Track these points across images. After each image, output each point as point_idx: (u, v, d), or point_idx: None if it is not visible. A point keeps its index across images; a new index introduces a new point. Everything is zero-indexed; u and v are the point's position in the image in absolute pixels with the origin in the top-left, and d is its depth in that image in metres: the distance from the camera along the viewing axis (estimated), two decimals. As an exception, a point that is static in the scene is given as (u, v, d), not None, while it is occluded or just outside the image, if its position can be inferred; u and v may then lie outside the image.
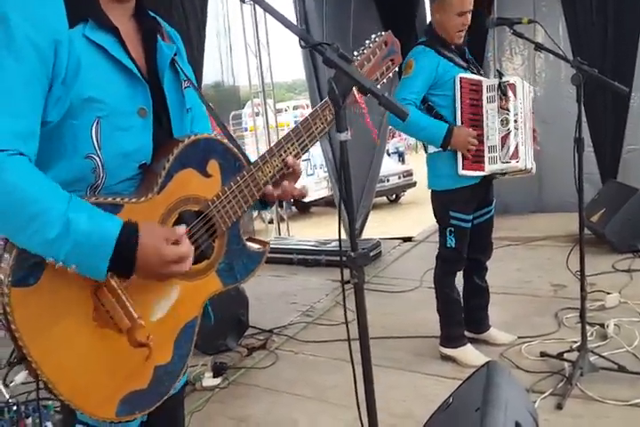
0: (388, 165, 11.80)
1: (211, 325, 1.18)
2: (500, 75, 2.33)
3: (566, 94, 4.39)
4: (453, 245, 2.41)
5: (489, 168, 2.30)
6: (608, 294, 2.99)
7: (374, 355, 2.62)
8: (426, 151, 2.47)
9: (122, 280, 0.94)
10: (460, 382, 1.68)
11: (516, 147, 2.25)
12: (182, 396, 1.27)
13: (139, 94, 1.01)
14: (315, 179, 10.40)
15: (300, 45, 1.07)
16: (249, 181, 1.09)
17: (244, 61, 6.38)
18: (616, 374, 2.19)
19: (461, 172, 2.30)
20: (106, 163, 0.98)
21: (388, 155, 15.10)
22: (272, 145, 1.13)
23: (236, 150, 1.11)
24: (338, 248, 1.11)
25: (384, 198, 11.90)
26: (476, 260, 2.55)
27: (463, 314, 2.54)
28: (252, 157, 1.15)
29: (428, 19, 4.90)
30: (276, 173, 1.11)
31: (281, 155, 1.11)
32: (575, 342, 2.42)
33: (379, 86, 1.24)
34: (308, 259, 4.28)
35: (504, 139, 2.27)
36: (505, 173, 2.36)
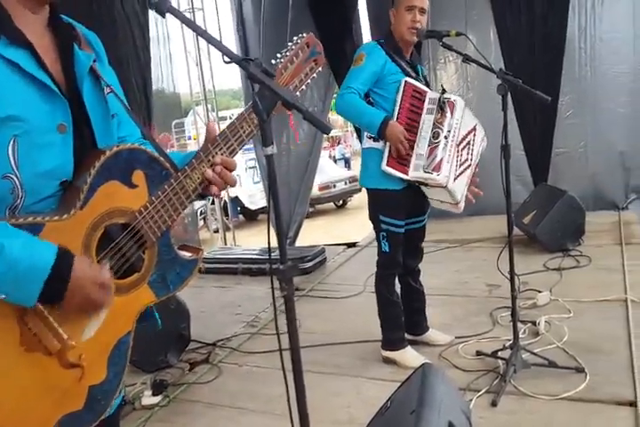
0: (335, 172, 11.97)
1: (159, 329, 1.16)
2: (443, 90, 2.40)
3: (498, 100, 4.55)
4: (388, 250, 2.47)
5: (412, 174, 2.35)
6: (540, 292, 3.13)
7: (319, 362, 2.63)
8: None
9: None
10: (400, 383, 1.72)
11: (441, 160, 2.32)
12: (118, 417, 1.24)
13: (58, 110, 0.98)
14: (261, 187, 10.38)
15: (224, 61, 1.08)
16: (177, 189, 1.08)
17: (185, 69, 6.32)
18: (547, 370, 2.29)
19: (384, 167, 2.35)
20: (25, 182, 0.94)
21: (335, 161, 15.29)
22: (199, 150, 1.12)
23: (162, 159, 1.10)
24: (285, 241, 1.12)
25: (331, 204, 12.02)
26: (407, 265, 2.62)
27: (403, 317, 2.60)
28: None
29: (364, 27, 5.07)
30: (205, 179, 1.11)
31: (209, 160, 1.11)
32: (509, 340, 2.52)
33: (304, 87, 1.28)
34: (253, 268, 4.26)
35: (432, 150, 2.34)
36: (427, 185, 2.40)
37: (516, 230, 3.89)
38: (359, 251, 4.62)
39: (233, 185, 1.15)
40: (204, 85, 6.19)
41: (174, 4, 1.21)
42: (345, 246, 4.88)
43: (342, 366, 2.60)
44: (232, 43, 5.25)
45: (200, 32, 1.10)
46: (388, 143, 2.35)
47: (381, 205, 2.45)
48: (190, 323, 2.88)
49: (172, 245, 1.13)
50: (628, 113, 4.35)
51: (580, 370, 2.28)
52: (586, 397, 2.12)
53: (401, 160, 2.35)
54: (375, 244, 2.57)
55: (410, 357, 2.50)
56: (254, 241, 7.18)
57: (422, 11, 2.39)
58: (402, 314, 2.57)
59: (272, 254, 1.11)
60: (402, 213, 2.47)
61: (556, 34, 4.22)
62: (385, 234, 2.45)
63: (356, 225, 7.48)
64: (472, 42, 2.52)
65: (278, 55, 1.22)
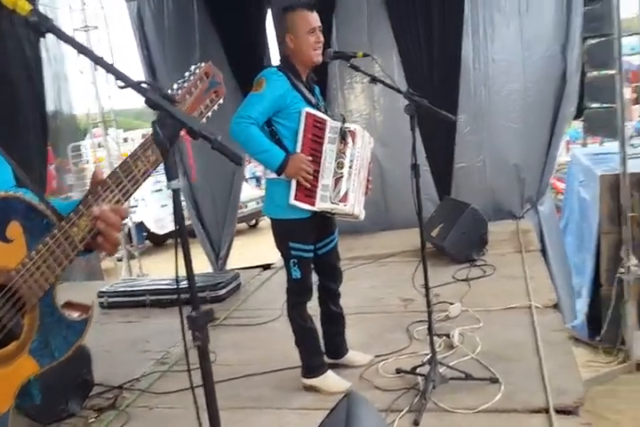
0: (246, 191, 11.82)
1: (37, 405, 1.02)
2: (344, 120, 2.40)
3: (403, 118, 4.71)
4: (299, 276, 2.41)
5: (319, 205, 2.33)
6: (451, 304, 3.21)
7: (238, 396, 2.50)
8: None
9: None
10: (324, 411, 1.66)
11: (347, 191, 2.33)
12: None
13: None
14: (169, 210, 10.01)
15: (118, 85, 0.98)
16: (61, 240, 0.95)
17: (82, 89, 6.01)
18: (465, 383, 2.32)
19: (292, 202, 2.32)
20: None
21: (246, 180, 15.13)
22: (85, 194, 1.00)
23: (42, 206, 0.97)
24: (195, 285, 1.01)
25: (244, 224, 11.84)
26: (327, 288, 2.59)
27: (322, 341, 2.55)
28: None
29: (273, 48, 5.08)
30: (94, 226, 0.99)
31: (98, 205, 0.98)
32: (426, 354, 2.54)
33: (204, 120, 1.18)
34: (163, 299, 3.99)
35: (337, 181, 2.34)
36: (334, 214, 2.41)
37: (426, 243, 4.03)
38: (275, 273, 4.52)
39: (117, 244, 1.03)
40: (100, 106, 5.89)
41: (67, 22, 1.09)
42: (260, 269, 4.78)
43: (263, 399, 2.49)
44: (137, 63, 5.04)
45: (85, 52, 0.99)
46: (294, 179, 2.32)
47: (290, 233, 2.40)
48: (93, 365, 2.64)
49: (55, 304, 1.00)
50: (519, 128, 4.65)
51: (494, 380, 2.33)
52: (502, 407, 2.17)
53: (308, 192, 2.32)
54: (290, 265, 2.50)
55: (331, 382, 2.45)
56: (163, 268, 6.87)
57: (320, 29, 2.37)
58: (319, 339, 2.52)
59: (182, 284, 1.00)
60: (311, 237, 2.44)
61: (453, 56, 4.46)
62: (295, 260, 2.40)
63: (270, 245, 7.39)
64: (378, 63, 2.56)
65: (175, 86, 1.11)
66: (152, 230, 10.39)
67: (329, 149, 2.33)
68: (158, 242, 10.77)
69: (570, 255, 5.62)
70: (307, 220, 2.37)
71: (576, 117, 5.25)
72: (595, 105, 5.12)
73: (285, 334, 2.67)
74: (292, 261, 2.40)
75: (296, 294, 2.46)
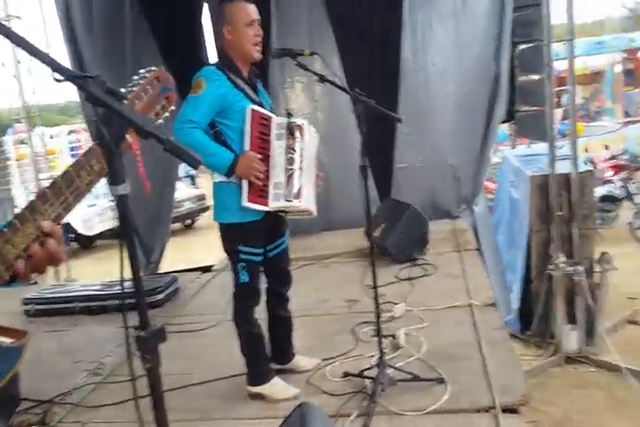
0: (181, 190, 11.50)
1: None
2: (289, 114, 2.33)
3: (345, 118, 4.73)
4: (247, 280, 2.32)
5: (272, 204, 2.27)
6: (396, 304, 3.23)
7: (178, 408, 2.37)
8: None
9: None
10: (271, 420, 1.60)
11: (300, 187, 2.27)
12: None
13: None
14: (97, 210, 9.56)
15: (54, 79, 0.87)
16: None
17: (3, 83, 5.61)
18: (412, 384, 2.32)
19: (245, 204, 2.23)
20: None
21: (180, 179, 14.72)
22: (23, 208, 0.88)
23: None
24: (127, 289, 0.91)
25: (179, 224, 11.52)
26: (277, 292, 2.52)
27: (268, 346, 2.48)
28: (16, 192, 0.88)
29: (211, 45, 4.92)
30: (31, 243, 0.87)
31: (35, 219, 0.87)
32: (373, 356, 2.53)
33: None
34: (92, 306, 3.76)
35: (289, 177, 2.27)
36: (288, 212, 2.35)
37: (367, 244, 4.03)
38: (215, 276, 4.39)
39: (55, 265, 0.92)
40: (24, 100, 5.51)
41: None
42: (200, 271, 4.62)
43: (206, 410, 2.38)
44: (64, 56, 4.70)
45: (18, 41, 0.88)
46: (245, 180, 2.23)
47: (240, 236, 2.30)
48: (19, 379, 2.43)
49: None
50: (455, 129, 4.76)
51: (441, 381, 2.34)
52: (449, 408, 2.17)
53: (260, 193, 2.24)
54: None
55: (279, 389, 2.38)
56: (91, 272, 6.53)
57: (259, 23, 2.29)
58: (265, 345, 2.44)
59: (115, 290, 0.90)
60: (262, 240, 2.36)
61: (393, 57, 4.49)
62: (244, 264, 2.31)
63: (207, 246, 7.22)
64: (325, 61, 2.52)
65: (123, 90, 1.02)
66: (79, 231, 9.86)
67: (278, 146, 2.26)
68: (86, 244, 10.25)
69: (502, 253, 5.84)
70: (259, 222, 2.29)
71: (507, 120, 5.44)
72: (525, 108, 5.32)
73: (226, 340, 2.58)
74: (240, 265, 2.31)
75: (244, 299, 2.37)
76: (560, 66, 8.74)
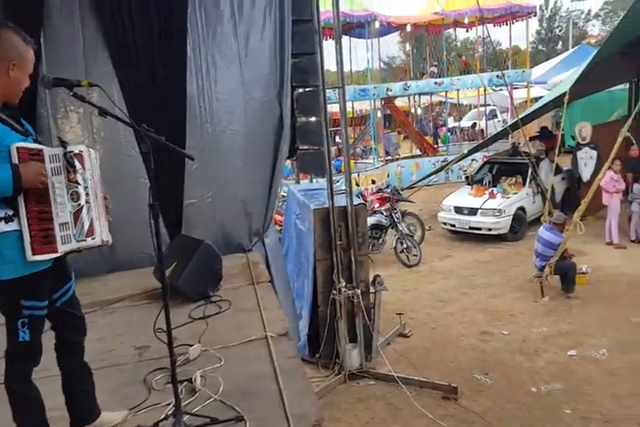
0: None
1: None
2: (63, 143, 2.11)
3: (127, 153, 4.49)
4: (28, 339, 2.02)
5: (62, 248, 2.03)
6: (190, 346, 3.11)
7: None
8: None
9: None
10: None
11: (91, 223, 2.09)
12: None
13: None
14: None
15: None
16: None
17: None
18: (214, 427, 2.26)
19: (32, 258, 1.95)
20: None
21: None
22: None
23: None
24: None
25: None
26: (70, 343, 2.26)
27: (68, 406, 2.24)
28: None
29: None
30: None
31: None
32: (169, 403, 2.39)
33: None
34: None
35: (76, 215, 2.06)
36: (80, 251, 2.13)
37: (157, 284, 3.83)
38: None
39: None
40: None
41: None
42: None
43: None
44: None
45: None
46: (25, 227, 1.94)
47: (23, 290, 2.00)
48: None
49: None
50: (244, 165, 4.88)
51: (240, 419, 2.33)
52: (250, 445, 2.17)
53: (45, 240, 1.98)
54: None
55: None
56: None
57: None
58: (44, 410, 2.13)
59: None
60: (47, 291, 2.09)
61: (178, 92, 4.43)
62: (26, 320, 2.01)
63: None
64: (107, 94, 2.37)
65: None
66: None
67: (56, 182, 2.02)
68: None
69: (292, 281, 6.14)
70: (46, 270, 2.02)
71: (290, 157, 5.82)
72: (305, 147, 5.76)
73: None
74: (20, 321, 2.00)
75: (22, 361, 2.05)
76: (332, 109, 9.77)
